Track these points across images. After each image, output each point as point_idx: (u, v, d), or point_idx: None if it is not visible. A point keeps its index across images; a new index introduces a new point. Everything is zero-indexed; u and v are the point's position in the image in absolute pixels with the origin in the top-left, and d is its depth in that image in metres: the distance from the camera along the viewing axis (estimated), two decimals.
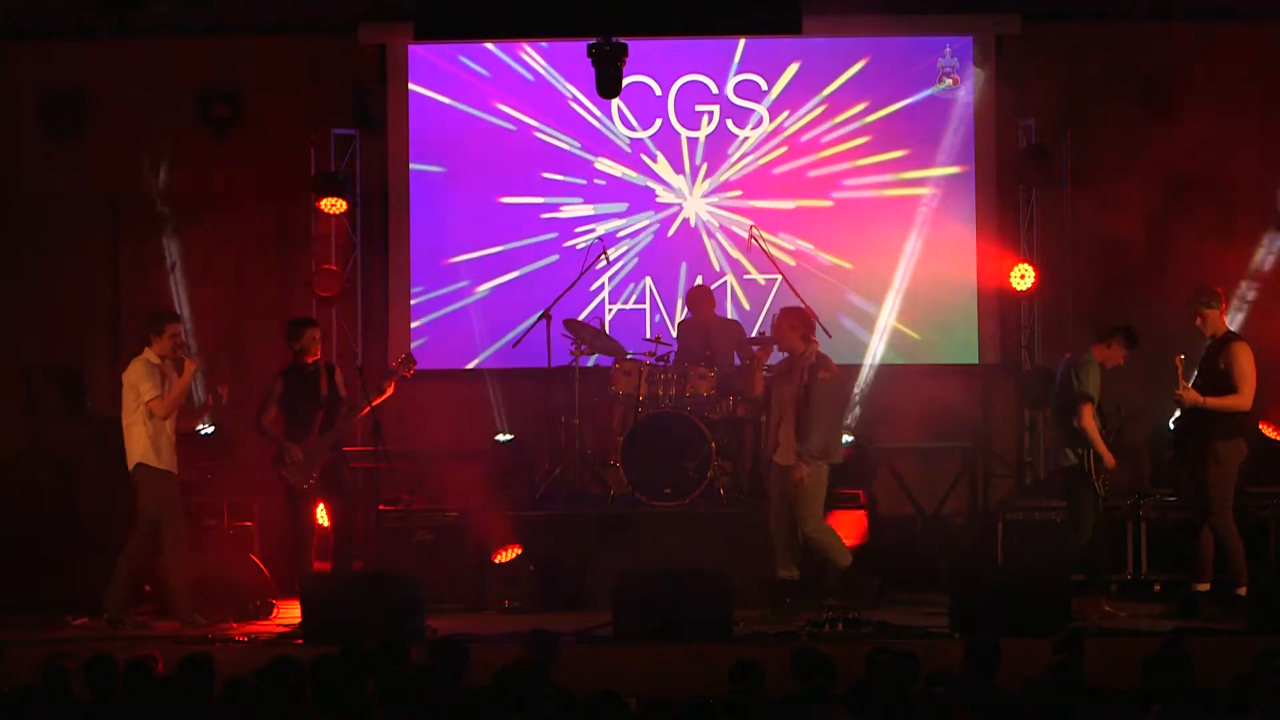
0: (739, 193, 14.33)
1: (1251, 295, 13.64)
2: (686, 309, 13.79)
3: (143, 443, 11.35)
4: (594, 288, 14.16)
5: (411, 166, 14.40)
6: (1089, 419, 11.34)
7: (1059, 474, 11.88)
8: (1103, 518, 11.51)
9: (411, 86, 14.39)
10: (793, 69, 14.30)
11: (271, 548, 12.51)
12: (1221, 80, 13.97)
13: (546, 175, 14.40)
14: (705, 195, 14.35)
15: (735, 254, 14.23)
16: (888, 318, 14.10)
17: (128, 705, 7.65)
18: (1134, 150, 14.07)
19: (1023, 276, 13.70)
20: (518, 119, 14.40)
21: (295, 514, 11.84)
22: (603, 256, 13.45)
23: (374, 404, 11.69)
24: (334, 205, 13.93)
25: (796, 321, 11.60)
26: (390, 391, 11.86)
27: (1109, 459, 11.35)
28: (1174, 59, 14.17)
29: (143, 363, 11.43)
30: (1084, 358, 11.53)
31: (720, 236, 14.33)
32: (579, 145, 14.39)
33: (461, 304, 14.36)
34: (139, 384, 11.36)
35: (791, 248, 14.21)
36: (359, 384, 11.85)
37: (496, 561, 12.13)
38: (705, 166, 14.37)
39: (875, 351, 13.98)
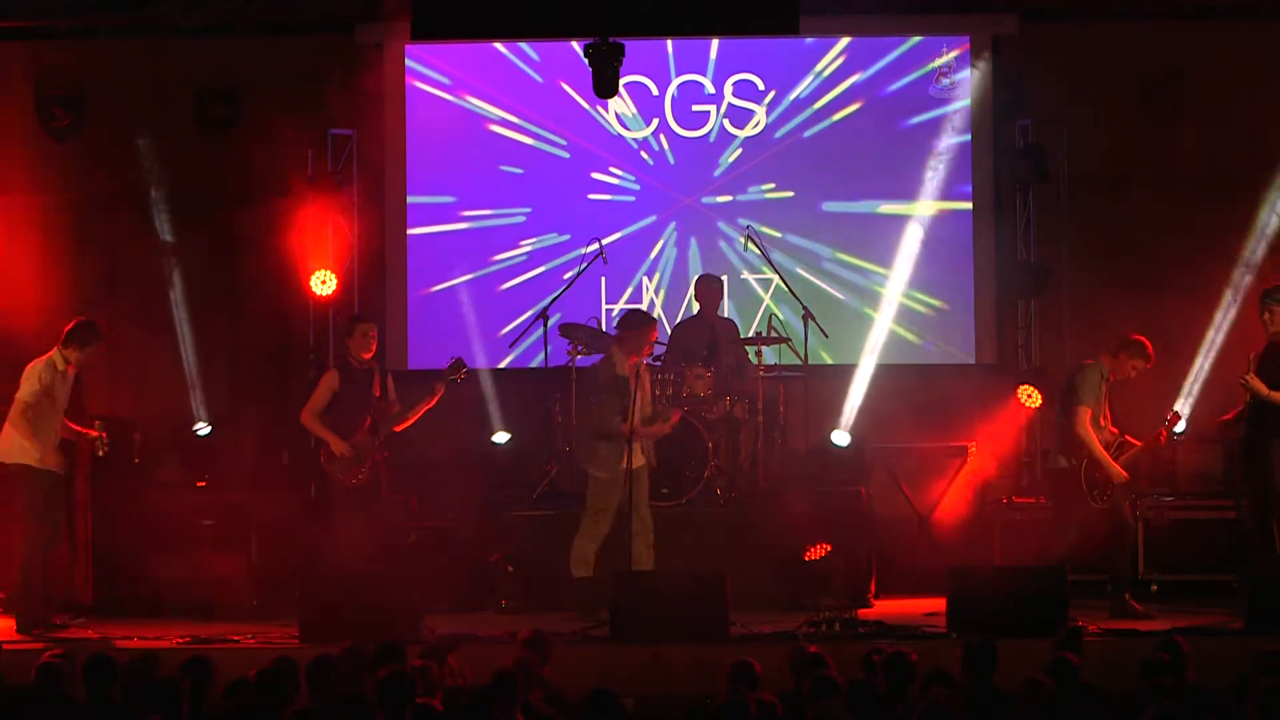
0: (738, 195, 14.34)
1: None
2: (696, 299, 13.65)
3: (19, 443, 11.26)
4: (591, 287, 14.14)
5: (408, 166, 14.41)
6: (1084, 425, 11.37)
7: (1052, 476, 11.94)
8: (1117, 519, 11.53)
9: (409, 85, 14.41)
10: (791, 68, 14.33)
11: (271, 545, 12.53)
12: (1220, 80, 13.96)
13: (544, 174, 14.41)
14: (701, 195, 14.35)
15: (731, 254, 14.23)
16: (884, 317, 14.13)
17: (126, 706, 7.65)
18: (1131, 150, 14.09)
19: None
20: (515, 118, 14.40)
21: (334, 513, 11.74)
22: (600, 257, 13.45)
23: (425, 409, 11.68)
24: (331, 205, 13.99)
25: (653, 330, 11.74)
26: (440, 395, 11.78)
27: (1118, 474, 11.36)
28: (1171, 59, 14.17)
29: (46, 365, 11.36)
30: (1087, 364, 11.57)
31: (716, 236, 14.33)
32: (577, 144, 14.39)
33: (459, 304, 14.36)
34: (24, 381, 11.33)
35: (788, 245, 14.22)
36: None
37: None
38: (702, 167, 14.37)
39: (873, 351, 13.99)
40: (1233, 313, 13.23)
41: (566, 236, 14.34)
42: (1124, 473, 11.41)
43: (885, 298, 14.14)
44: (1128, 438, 11.58)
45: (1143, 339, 11.56)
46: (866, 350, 13.94)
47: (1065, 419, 11.58)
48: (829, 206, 14.28)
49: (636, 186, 14.39)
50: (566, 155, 14.41)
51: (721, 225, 14.31)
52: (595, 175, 14.41)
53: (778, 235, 14.18)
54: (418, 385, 11.94)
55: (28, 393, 11.30)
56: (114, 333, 13.92)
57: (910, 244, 14.05)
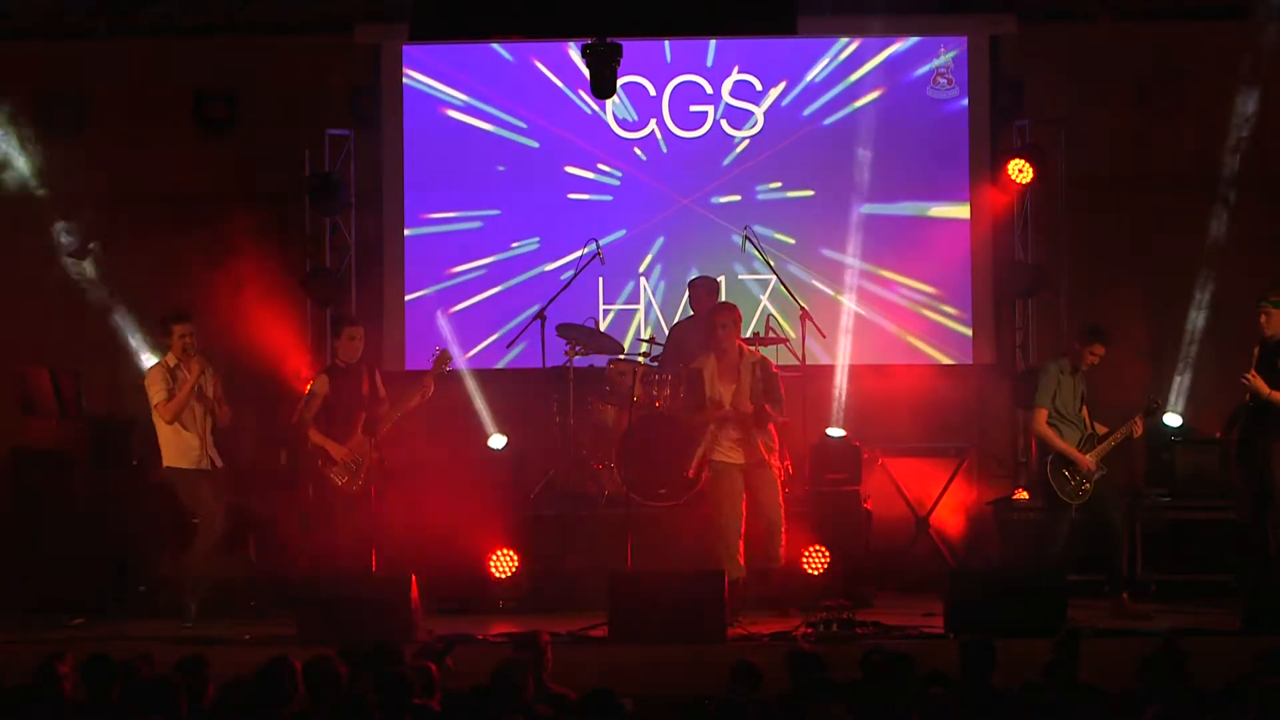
0: (736, 196, 14.33)
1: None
2: (690, 302, 13.67)
3: (167, 445, 11.59)
4: (588, 288, 14.12)
5: (406, 166, 14.41)
6: (1040, 424, 11.45)
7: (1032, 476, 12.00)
8: (1102, 518, 11.53)
9: (408, 84, 14.41)
10: (790, 69, 14.33)
11: (270, 545, 12.52)
12: (1218, 80, 13.96)
13: (542, 175, 14.41)
14: (701, 195, 14.35)
15: (730, 254, 14.22)
16: (878, 317, 14.14)
17: (122, 706, 7.64)
18: (1130, 150, 14.08)
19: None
20: (513, 119, 14.40)
21: (334, 516, 11.77)
22: (597, 257, 13.45)
23: (416, 402, 11.74)
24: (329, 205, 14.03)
25: (739, 317, 11.73)
26: (431, 390, 11.85)
27: (1082, 461, 11.38)
28: (1171, 59, 14.17)
29: (158, 367, 11.71)
30: (1043, 364, 11.65)
31: (715, 237, 14.31)
32: (576, 145, 14.39)
33: (457, 305, 14.35)
34: (148, 389, 11.63)
35: (786, 246, 14.21)
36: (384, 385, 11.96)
37: (491, 567, 12.21)
38: (701, 167, 14.36)
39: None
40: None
41: (555, 238, 14.31)
42: (1090, 462, 11.41)
43: (882, 297, 14.15)
44: (1098, 428, 11.58)
45: (1095, 324, 11.60)
46: (862, 350, 13.95)
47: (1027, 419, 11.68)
48: (825, 204, 14.27)
49: (636, 186, 14.37)
50: (566, 153, 14.39)
51: (721, 224, 14.28)
52: (592, 174, 14.39)
53: (773, 233, 14.16)
54: (413, 386, 11.97)
55: (154, 395, 11.61)
56: (113, 333, 14.00)
57: (909, 242, 14.05)
